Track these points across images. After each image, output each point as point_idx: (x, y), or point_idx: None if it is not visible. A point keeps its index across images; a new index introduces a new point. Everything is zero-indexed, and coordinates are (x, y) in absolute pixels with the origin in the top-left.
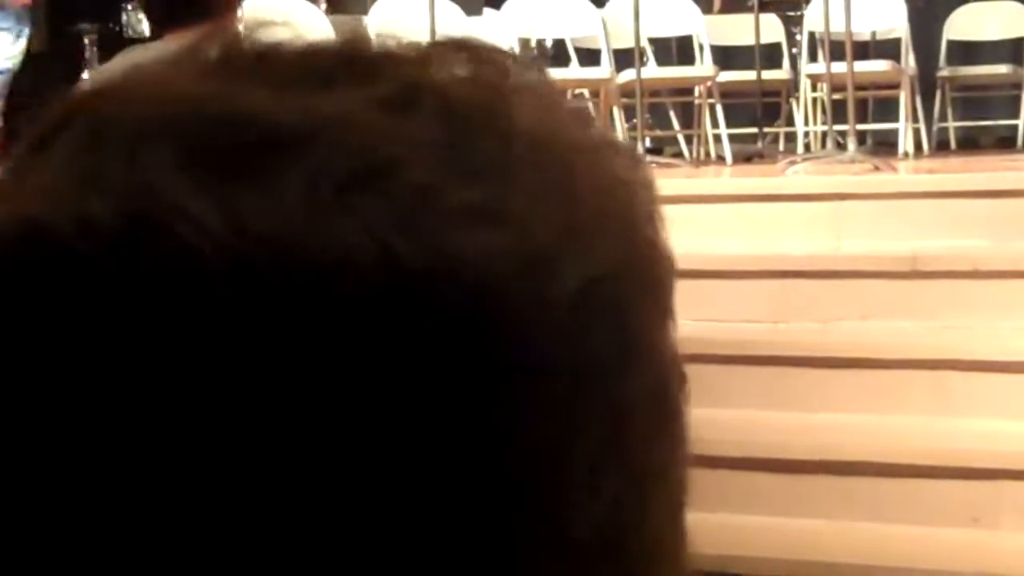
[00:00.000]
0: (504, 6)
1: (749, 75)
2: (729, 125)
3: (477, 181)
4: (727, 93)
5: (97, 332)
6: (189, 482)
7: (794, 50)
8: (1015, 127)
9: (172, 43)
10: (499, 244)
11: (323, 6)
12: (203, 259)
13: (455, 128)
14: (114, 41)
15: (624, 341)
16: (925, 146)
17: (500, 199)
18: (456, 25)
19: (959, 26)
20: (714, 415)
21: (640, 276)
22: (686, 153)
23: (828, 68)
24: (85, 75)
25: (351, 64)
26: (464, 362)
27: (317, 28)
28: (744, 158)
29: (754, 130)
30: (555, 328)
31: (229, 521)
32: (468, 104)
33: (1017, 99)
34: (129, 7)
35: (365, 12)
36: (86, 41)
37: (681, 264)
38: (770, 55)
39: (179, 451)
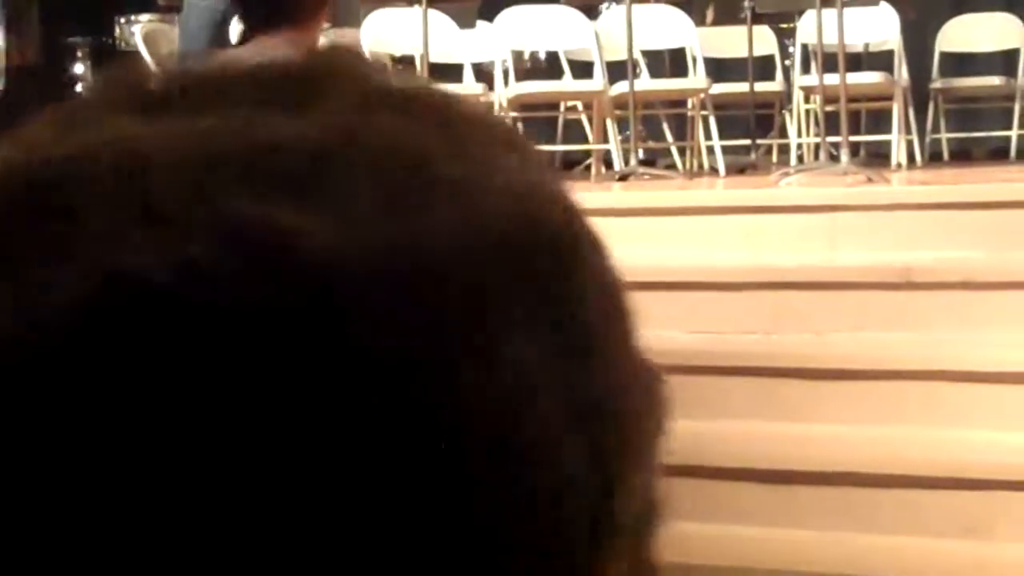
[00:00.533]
0: (497, 18)
1: (742, 87)
2: (722, 137)
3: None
4: (720, 105)
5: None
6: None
7: (787, 62)
8: (1008, 139)
9: (260, 47)
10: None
11: None
12: (334, 276)
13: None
14: (107, 54)
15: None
16: (918, 158)
17: (483, 175)
18: (449, 38)
19: (952, 38)
20: (708, 427)
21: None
22: (679, 165)
23: (821, 80)
24: (78, 88)
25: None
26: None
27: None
28: (737, 170)
29: (747, 142)
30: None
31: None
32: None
33: (1010, 111)
34: (122, 20)
35: (358, 25)
36: (79, 54)
37: (675, 276)
38: (763, 67)
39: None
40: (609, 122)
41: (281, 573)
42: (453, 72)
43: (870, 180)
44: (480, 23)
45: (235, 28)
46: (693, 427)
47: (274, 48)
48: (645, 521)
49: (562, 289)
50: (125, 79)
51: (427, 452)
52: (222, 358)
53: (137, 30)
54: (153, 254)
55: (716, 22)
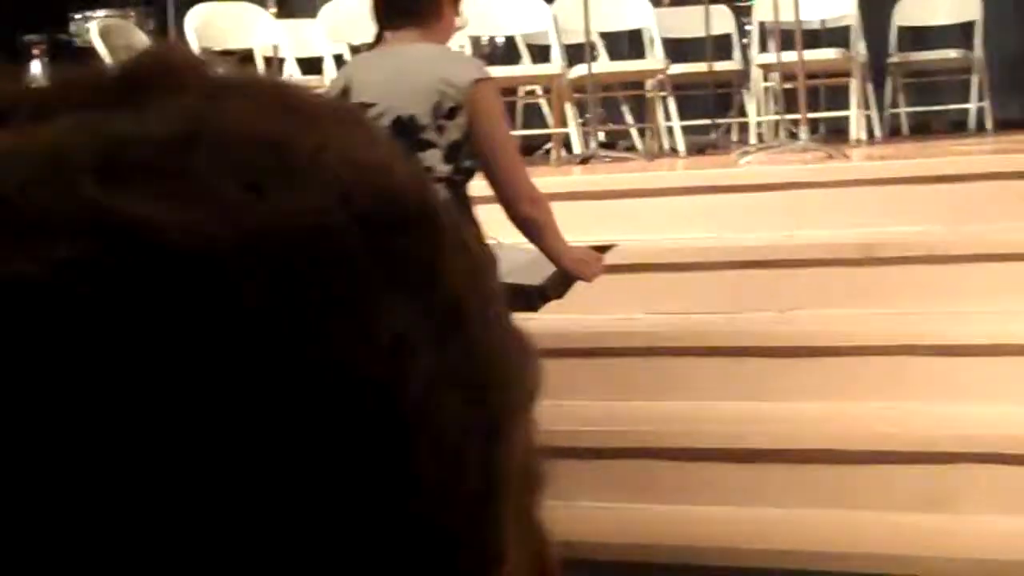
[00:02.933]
0: None
1: (700, 67)
2: (682, 117)
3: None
4: (679, 85)
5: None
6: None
7: (744, 40)
8: (966, 111)
9: (394, 44)
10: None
11: (272, 10)
12: (203, 262)
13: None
14: (63, 51)
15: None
16: (877, 133)
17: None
18: None
19: (908, 12)
20: (673, 406)
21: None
22: (640, 147)
23: (779, 58)
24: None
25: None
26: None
27: (268, 33)
28: (698, 150)
29: (707, 121)
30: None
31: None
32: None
33: (967, 83)
34: (77, 16)
35: (314, 15)
36: (35, 52)
37: (638, 257)
38: (721, 46)
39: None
40: (568, 106)
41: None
42: None
43: (830, 157)
44: None
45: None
46: (658, 408)
47: (408, 43)
48: (529, 480)
49: (424, 259)
50: None
51: (320, 415)
52: (109, 350)
53: (93, 26)
54: (26, 258)
55: (673, 2)
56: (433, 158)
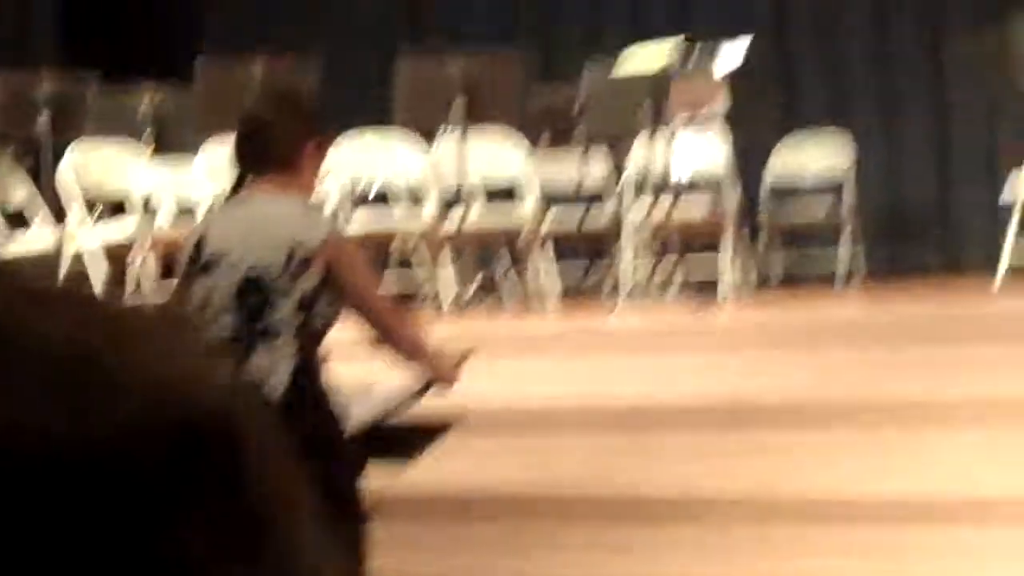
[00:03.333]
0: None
1: (575, 215)
2: (556, 265)
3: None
4: (553, 234)
5: None
6: None
7: (619, 189)
8: (838, 262)
9: (252, 192)
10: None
11: (148, 153)
12: None
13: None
14: None
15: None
16: (749, 284)
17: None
18: None
19: (780, 167)
20: (542, 568)
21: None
22: (513, 295)
23: (651, 208)
24: None
25: None
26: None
27: (145, 177)
28: (572, 298)
29: (580, 272)
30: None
31: None
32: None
33: (839, 234)
34: None
35: (193, 157)
36: None
37: (507, 410)
38: (595, 197)
39: None
40: (443, 253)
41: None
42: None
43: (700, 309)
44: None
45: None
46: (524, 567)
47: (265, 193)
48: None
49: (225, 476)
50: None
51: None
52: None
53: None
54: None
55: (548, 153)
56: (284, 310)
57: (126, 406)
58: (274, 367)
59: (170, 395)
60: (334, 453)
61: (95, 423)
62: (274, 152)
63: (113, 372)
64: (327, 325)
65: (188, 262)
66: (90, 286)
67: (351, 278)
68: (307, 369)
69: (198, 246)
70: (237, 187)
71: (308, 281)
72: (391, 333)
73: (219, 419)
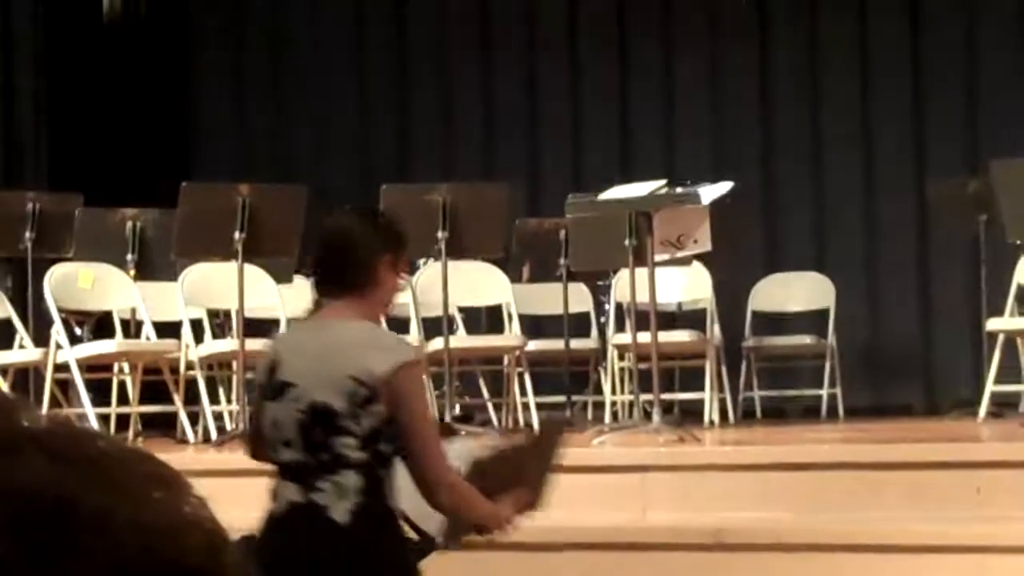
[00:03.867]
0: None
1: (558, 344)
2: (538, 393)
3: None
4: (536, 362)
5: None
6: None
7: (602, 319)
8: (819, 397)
9: (326, 316)
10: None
11: (131, 273)
12: None
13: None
14: None
15: None
16: (731, 416)
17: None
18: (266, 291)
19: (764, 298)
20: None
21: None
22: (495, 421)
23: (634, 338)
24: None
25: None
26: None
27: (127, 296)
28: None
29: (562, 399)
30: None
31: None
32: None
33: (820, 369)
34: None
35: (174, 278)
36: None
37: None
38: (578, 324)
39: None
40: (425, 378)
41: None
42: (270, 326)
43: (682, 439)
44: (297, 278)
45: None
46: None
47: (339, 316)
48: None
49: None
50: None
51: None
52: None
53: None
54: None
55: (532, 279)
56: (347, 446)
57: (117, 551)
58: (336, 503)
59: (159, 541)
60: None
61: (84, 567)
62: (352, 268)
63: (95, 517)
64: (397, 453)
65: (260, 387)
66: (71, 403)
67: (408, 418)
68: (371, 506)
69: (271, 370)
70: (315, 308)
71: (374, 416)
72: (427, 477)
73: (209, 566)
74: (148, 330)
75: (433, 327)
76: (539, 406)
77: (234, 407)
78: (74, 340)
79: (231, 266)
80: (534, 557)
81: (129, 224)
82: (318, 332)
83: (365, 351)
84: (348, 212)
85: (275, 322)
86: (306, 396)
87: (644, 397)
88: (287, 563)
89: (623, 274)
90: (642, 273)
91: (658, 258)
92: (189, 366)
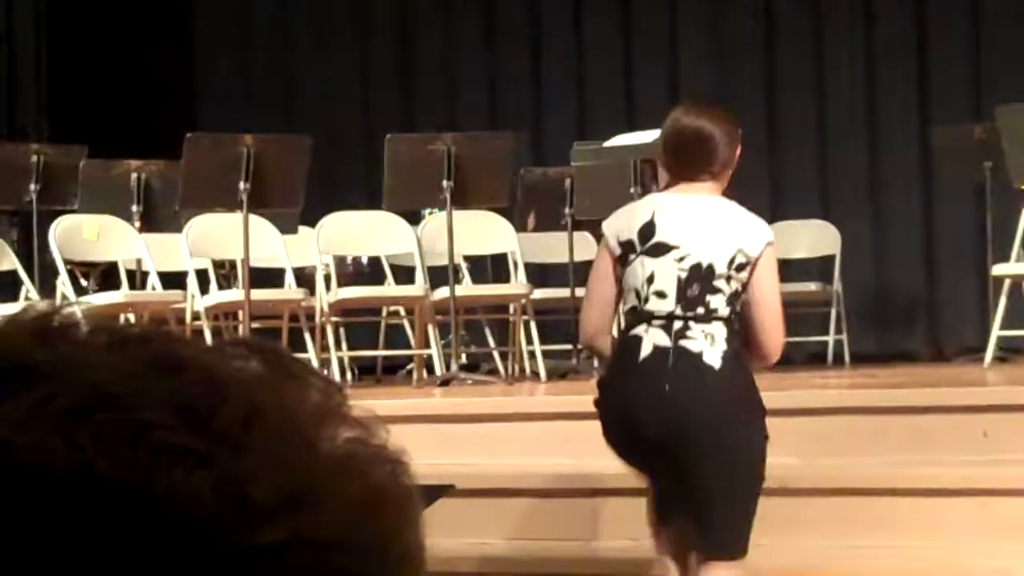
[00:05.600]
0: (319, 224)
1: (563, 292)
2: (544, 342)
3: (199, 429)
4: (541, 310)
5: None
6: None
7: None
8: (825, 343)
9: (692, 192)
10: (201, 483)
11: (136, 224)
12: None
13: (200, 390)
14: None
15: None
16: None
17: (202, 440)
18: (271, 242)
19: None
20: None
21: (369, 555)
22: (501, 370)
23: None
24: None
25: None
26: None
27: (132, 247)
28: (559, 375)
29: (568, 347)
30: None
31: None
32: (220, 372)
33: (826, 316)
34: None
35: (179, 230)
36: None
37: (495, 483)
38: (584, 273)
39: None
40: (431, 327)
41: None
42: (275, 277)
43: None
44: (302, 228)
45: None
46: None
47: (707, 193)
48: None
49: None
50: None
51: None
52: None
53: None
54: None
55: (537, 228)
56: (719, 301)
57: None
58: (708, 348)
59: (355, 467)
60: (760, 417)
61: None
62: (716, 157)
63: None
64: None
65: (627, 244)
66: None
67: (770, 277)
68: (736, 353)
69: (645, 230)
70: (669, 187)
71: (739, 281)
72: (771, 333)
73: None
74: (154, 281)
75: (439, 276)
76: (545, 354)
77: None
78: (80, 292)
79: (236, 217)
80: (540, 503)
81: (134, 176)
82: (693, 205)
83: (746, 226)
84: (706, 111)
85: (280, 272)
86: (692, 257)
87: None
88: (664, 399)
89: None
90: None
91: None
92: (195, 316)
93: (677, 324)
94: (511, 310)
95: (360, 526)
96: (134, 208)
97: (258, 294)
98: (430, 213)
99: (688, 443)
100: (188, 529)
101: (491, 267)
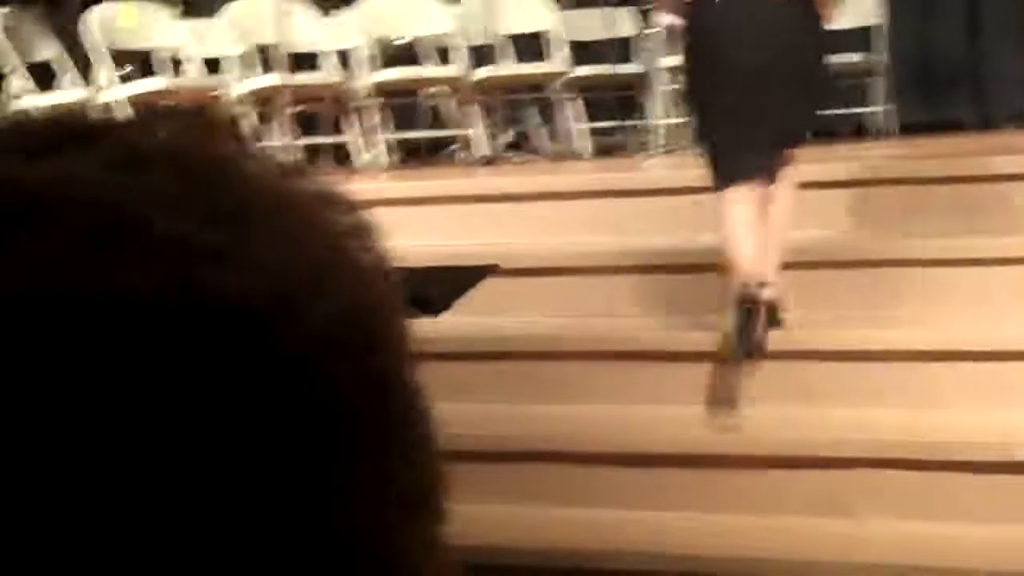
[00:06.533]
0: (356, 4)
1: (605, 69)
2: (587, 119)
3: (220, 227)
4: (583, 88)
5: None
6: None
7: (649, 44)
8: (870, 116)
9: None
10: (250, 285)
11: (180, 8)
12: None
13: (190, 182)
14: None
15: (376, 376)
16: None
17: (243, 243)
18: (309, 25)
19: None
20: (571, 410)
21: (377, 316)
22: (546, 148)
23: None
24: None
25: (73, 132)
26: (235, 394)
27: (172, 33)
28: (603, 152)
29: (612, 124)
30: (313, 364)
31: None
32: (199, 160)
33: (868, 87)
34: None
35: (213, 15)
36: None
37: (540, 261)
38: (625, 49)
39: None
40: (472, 107)
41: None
42: (316, 60)
43: None
44: (340, 10)
45: None
46: (556, 411)
47: None
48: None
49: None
50: None
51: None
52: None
53: None
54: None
55: (577, 4)
56: None
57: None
58: None
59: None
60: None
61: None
62: None
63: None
64: None
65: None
66: None
67: None
68: None
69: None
70: None
71: None
72: None
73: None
74: (193, 67)
75: (479, 55)
76: (588, 132)
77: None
78: (122, 80)
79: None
80: (585, 280)
81: None
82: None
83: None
84: None
85: (314, 56)
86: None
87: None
88: (740, 32)
89: None
90: None
91: None
92: (238, 101)
93: None
94: (552, 89)
95: (359, 288)
96: None
97: (298, 78)
98: None
99: (767, 57)
100: (254, 337)
101: (531, 45)
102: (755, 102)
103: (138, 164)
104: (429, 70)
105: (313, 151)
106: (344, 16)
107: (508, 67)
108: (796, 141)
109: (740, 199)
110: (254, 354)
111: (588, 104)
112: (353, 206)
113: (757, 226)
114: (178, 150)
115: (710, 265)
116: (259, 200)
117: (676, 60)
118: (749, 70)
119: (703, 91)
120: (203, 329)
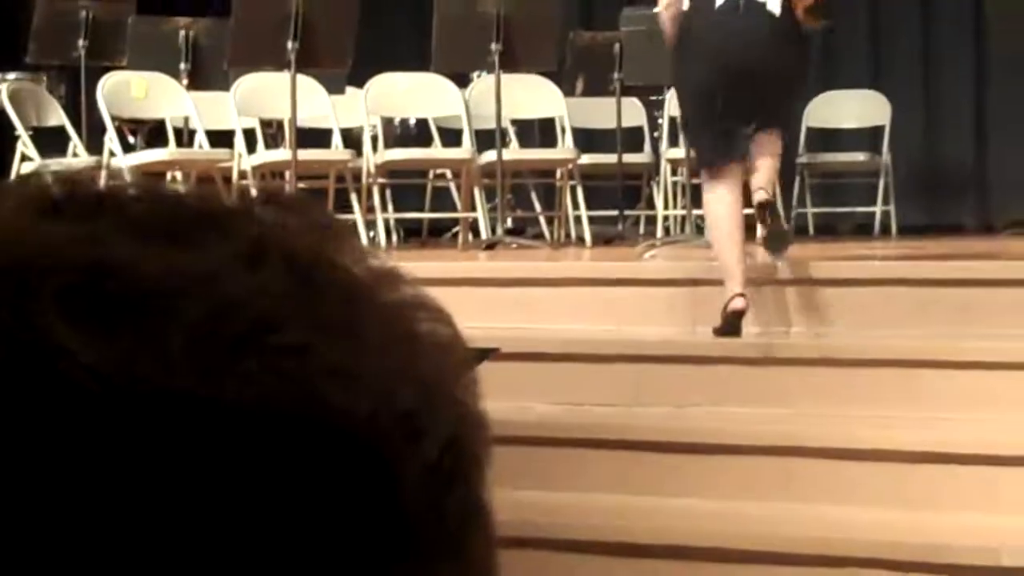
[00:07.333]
0: (367, 85)
1: (610, 158)
2: (590, 208)
3: (334, 338)
4: (588, 175)
5: None
6: None
7: (655, 134)
8: (872, 214)
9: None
10: (367, 407)
11: (184, 82)
12: (91, 396)
13: (303, 284)
14: None
15: (470, 502)
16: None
17: (358, 359)
18: (318, 103)
19: (819, 114)
20: (567, 498)
21: (474, 439)
22: (547, 235)
23: (687, 152)
24: None
25: (202, 219)
26: (347, 513)
27: (180, 104)
28: (604, 241)
29: (615, 213)
30: (422, 488)
31: None
32: (312, 260)
33: (874, 187)
34: None
35: (227, 88)
36: None
37: (538, 347)
38: (632, 138)
39: None
40: (477, 191)
41: None
42: (322, 137)
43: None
44: (349, 89)
45: None
46: (552, 498)
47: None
48: None
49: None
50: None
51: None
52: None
53: (3, 88)
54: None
55: (585, 93)
56: None
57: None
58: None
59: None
60: (805, 53)
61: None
62: None
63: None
64: None
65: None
66: None
67: None
68: (790, 9)
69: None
70: None
71: None
72: None
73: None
74: (201, 139)
75: (486, 139)
76: (591, 220)
77: None
78: (127, 149)
79: (284, 76)
80: (583, 368)
81: (182, 33)
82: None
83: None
84: None
85: (327, 132)
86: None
87: (696, 212)
88: (736, 36)
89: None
90: None
91: None
92: (242, 175)
93: None
94: (558, 175)
95: (459, 408)
96: (182, 66)
97: (305, 154)
98: (478, 75)
99: (755, 60)
100: (373, 457)
101: (538, 131)
102: (741, 96)
103: (257, 259)
104: (436, 151)
105: None
106: (352, 95)
107: (515, 152)
108: (777, 131)
109: (723, 198)
110: (372, 483)
111: (589, 192)
112: (448, 317)
113: (739, 235)
114: (294, 248)
115: (706, 358)
116: (367, 309)
117: (682, 152)
118: (739, 68)
119: (693, 85)
120: (324, 450)
